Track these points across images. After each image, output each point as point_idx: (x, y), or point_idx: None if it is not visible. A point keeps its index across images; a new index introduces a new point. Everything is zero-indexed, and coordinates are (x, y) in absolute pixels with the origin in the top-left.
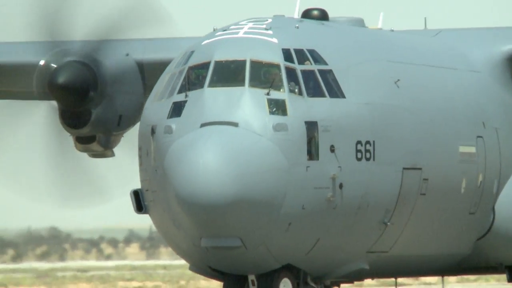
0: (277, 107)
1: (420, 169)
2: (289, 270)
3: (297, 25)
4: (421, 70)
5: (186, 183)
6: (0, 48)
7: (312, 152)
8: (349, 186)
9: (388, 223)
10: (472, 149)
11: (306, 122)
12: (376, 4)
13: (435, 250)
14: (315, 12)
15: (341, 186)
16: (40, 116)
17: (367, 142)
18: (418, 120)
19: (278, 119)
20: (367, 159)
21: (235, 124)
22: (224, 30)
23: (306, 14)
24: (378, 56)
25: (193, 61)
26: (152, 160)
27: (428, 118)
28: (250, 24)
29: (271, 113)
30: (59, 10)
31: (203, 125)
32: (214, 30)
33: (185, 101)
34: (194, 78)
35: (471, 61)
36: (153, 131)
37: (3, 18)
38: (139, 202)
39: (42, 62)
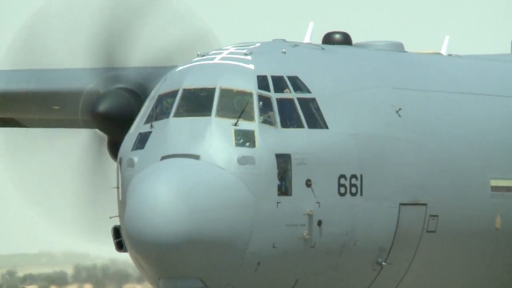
0: (245, 138)
1: (424, 204)
2: None
3: (284, 50)
4: (438, 97)
5: (134, 220)
6: (49, 74)
7: (284, 187)
8: (330, 223)
9: (384, 263)
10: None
11: (278, 155)
12: (442, 28)
13: None
14: (337, 36)
15: (319, 223)
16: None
17: (353, 176)
18: (424, 152)
19: (244, 151)
20: (353, 194)
21: (197, 157)
22: (203, 56)
23: (327, 38)
24: (383, 83)
25: (163, 89)
26: (120, 194)
27: (442, 150)
28: (232, 49)
29: (238, 145)
30: (119, 36)
31: (163, 157)
32: (198, 55)
33: (150, 132)
34: (164, 107)
35: None
36: (120, 164)
37: (62, 43)
38: (120, 239)
39: (89, 88)
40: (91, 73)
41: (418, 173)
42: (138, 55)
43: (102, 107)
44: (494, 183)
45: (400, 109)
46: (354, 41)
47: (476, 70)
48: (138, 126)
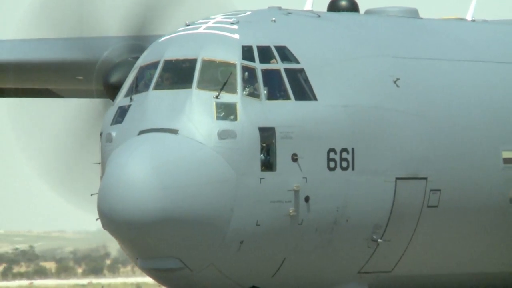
0: (226, 111)
1: (424, 178)
2: None
3: (274, 19)
4: (444, 66)
5: (106, 197)
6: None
7: (268, 162)
8: (318, 199)
9: (380, 240)
10: None
11: (261, 128)
12: None
13: (471, 269)
14: (342, 3)
15: (307, 199)
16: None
17: (344, 150)
18: (425, 124)
19: (225, 125)
20: (344, 169)
21: (175, 131)
22: (188, 25)
23: (332, 5)
24: (381, 52)
25: (145, 60)
26: (100, 170)
27: (446, 121)
28: (220, 18)
29: (219, 118)
30: (147, 6)
31: (141, 132)
32: (185, 24)
33: (130, 106)
34: (145, 79)
35: None
36: (101, 139)
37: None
38: None
39: (104, 57)
40: (115, 42)
41: (417, 146)
42: (168, 25)
43: (114, 77)
44: (506, 155)
45: (398, 79)
46: (368, 7)
47: (493, 36)
48: (119, 99)
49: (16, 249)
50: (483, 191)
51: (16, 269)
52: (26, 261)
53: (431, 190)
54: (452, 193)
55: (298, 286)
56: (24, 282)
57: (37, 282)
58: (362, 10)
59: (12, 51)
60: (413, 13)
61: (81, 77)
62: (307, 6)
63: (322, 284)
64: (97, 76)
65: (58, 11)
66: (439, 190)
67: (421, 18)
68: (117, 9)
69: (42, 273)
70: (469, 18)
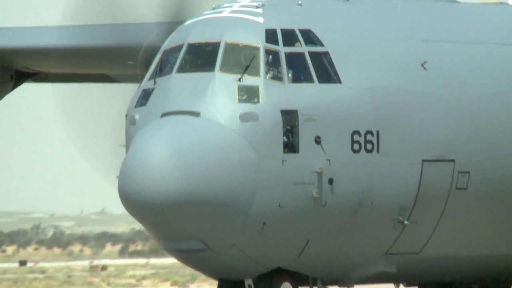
0: (249, 94)
1: (452, 161)
2: (291, 274)
3: (300, 2)
4: (475, 49)
5: (126, 179)
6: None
7: (291, 144)
8: (342, 181)
9: (406, 222)
10: None
11: (283, 111)
12: None
13: (500, 250)
14: None
15: (330, 181)
16: None
17: (368, 132)
18: (453, 107)
19: (247, 107)
20: (368, 151)
21: (197, 114)
22: (214, 9)
23: None
24: (410, 35)
25: (169, 43)
26: (126, 152)
27: (475, 104)
28: (245, 2)
29: (241, 101)
30: None
31: (163, 115)
32: (212, 8)
33: (153, 89)
34: (170, 62)
35: None
36: (126, 121)
37: None
38: None
39: (148, 42)
40: (159, 27)
41: (444, 128)
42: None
43: None
44: None
45: (425, 61)
46: None
47: None
48: (144, 82)
49: (133, 229)
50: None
51: (132, 248)
52: (142, 240)
53: (460, 172)
54: (482, 176)
55: (324, 267)
56: (141, 260)
57: (153, 260)
58: None
59: (59, 36)
60: None
61: (131, 62)
62: None
63: (349, 265)
64: (141, 62)
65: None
66: (468, 172)
67: (458, 2)
68: None
69: (157, 252)
70: (510, 2)
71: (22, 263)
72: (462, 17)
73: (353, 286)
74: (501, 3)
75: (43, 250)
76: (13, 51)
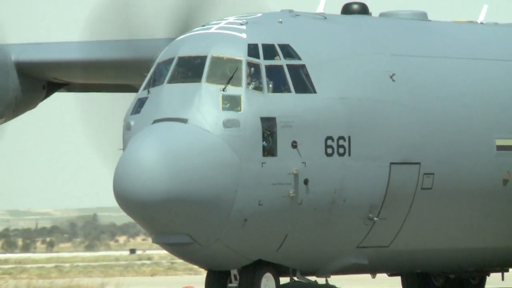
0: (232, 103)
1: (418, 163)
2: (272, 265)
3: (280, 20)
4: (441, 62)
5: (120, 179)
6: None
7: (269, 148)
8: (317, 182)
9: (376, 218)
10: None
11: (263, 118)
12: None
13: (464, 244)
14: (354, 6)
15: (306, 182)
16: None
17: (341, 138)
18: (419, 114)
19: (230, 115)
20: (341, 155)
21: (185, 120)
22: (203, 26)
23: (345, 8)
24: (381, 50)
25: (162, 57)
26: None
27: (440, 112)
28: (231, 19)
29: (224, 109)
30: (196, 6)
31: (155, 121)
32: (202, 25)
33: (147, 98)
34: (161, 74)
35: None
36: (123, 127)
37: None
38: None
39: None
40: (168, 42)
41: (410, 134)
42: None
43: None
44: (499, 142)
45: (394, 74)
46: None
47: (493, 36)
48: (139, 91)
49: None
50: (477, 174)
51: None
52: None
53: (425, 173)
54: (446, 177)
55: (302, 259)
56: None
57: None
58: (375, 13)
59: (83, 51)
60: (422, 16)
61: (146, 74)
62: (319, 9)
63: (324, 257)
64: None
65: (114, 16)
66: (433, 173)
67: (429, 21)
68: (164, 12)
69: None
70: (480, 21)
71: (132, 251)
72: (431, 34)
73: (329, 276)
74: (471, 21)
75: (149, 240)
76: (44, 64)
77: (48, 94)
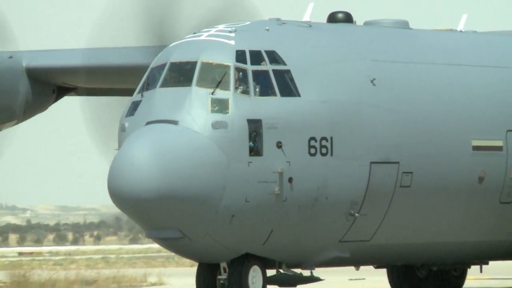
0: (220, 106)
1: (397, 163)
2: (259, 258)
3: (267, 28)
4: (419, 68)
5: (113, 177)
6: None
7: (256, 148)
8: (300, 180)
9: (357, 214)
10: (498, 143)
11: (249, 120)
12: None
13: (442, 238)
14: (339, 15)
15: (290, 180)
16: None
17: (323, 138)
18: (398, 116)
19: (218, 117)
20: (323, 155)
21: (175, 122)
22: (195, 33)
23: (331, 17)
24: (362, 56)
25: (155, 62)
26: None
27: (418, 114)
28: (221, 27)
29: (213, 111)
30: (166, 14)
31: (148, 123)
32: (194, 32)
33: (140, 101)
34: (154, 78)
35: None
36: (119, 129)
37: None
38: None
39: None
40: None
41: (389, 135)
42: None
43: None
44: (475, 143)
45: (374, 78)
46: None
47: (469, 43)
48: (134, 95)
49: None
50: (454, 173)
51: None
52: None
53: (403, 172)
54: (424, 175)
55: (287, 253)
56: None
57: None
58: (360, 21)
59: (89, 57)
60: (404, 24)
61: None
62: (305, 18)
63: (308, 251)
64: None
65: (118, 24)
66: (411, 172)
67: (410, 29)
68: (189, 20)
69: None
70: (459, 29)
71: None
72: (411, 41)
73: (314, 268)
74: (451, 29)
75: None
76: (53, 70)
77: (57, 97)
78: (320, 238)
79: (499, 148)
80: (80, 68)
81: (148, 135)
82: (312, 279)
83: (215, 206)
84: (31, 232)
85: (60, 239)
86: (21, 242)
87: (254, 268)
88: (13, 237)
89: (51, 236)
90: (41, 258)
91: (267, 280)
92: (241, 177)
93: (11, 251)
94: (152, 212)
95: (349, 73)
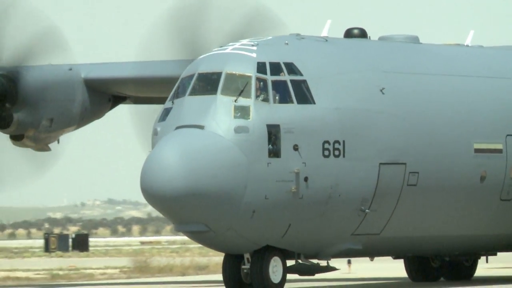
0: (242, 112)
1: (404, 164)
2: (279, 250)
3: (287, 42)
4: (426, 78)
5: (145, 177)
6: None
7: (274, 151)
8: (315, 180)
9: (367, 210)
10: (498, 146)
11: (269, 125)
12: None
13: (446, 232)
14: (355, 31)
15: (306, 179)
16: None
17: (336, 142)
18: (405, 122)
19: (240, 122)
20: (336, 156)
21: (202, 127)
22: (221, 47)
23: (347, 33)
24: (373, 67)
25: (185, 73)
26: None
27: (424, 120)
28: (245, 41)
29: (235, 117)
30: None
31: (177, 128)
32: (220, 46)
33: (171, 108)
34: (183, 87)
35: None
36: (152, 133)
37: None
38: None
39: None
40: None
41: (397, 139)
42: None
43: None
44: (477, 146)
45: (384, 88)
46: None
47: (474, 56)
48: (166, 102)
49: None
50: (457, 173)
51: None
52: None
53: (410, 172)
54: (430, 175)
55: (304, 245)
56: None
57: None
58: (375, 37)
59: (140, 69)
60: (414, 39)
61: None
62: (324, 33)
63: (324, 243)
64: None
65: (165, 38)
66: (418, 172)
67: (420, 43)
68: (218, 35)
69: None
70: (466, 43)
71: None
72: (420, 54)
73: (330, 259)
74: (458, 44)
75: None
76: (108, 81)
77: (113, 105)
78: (334, 232)
79: (499, 151)
80: (130, 79)
81: (177, 138)
82: (328, 268)
83: (237, 203)
84: (151, 224)
85: None
86: (142, 232)
87: (275, 258)
88: (136, 228)
89: (168, 227)
90: (160, 246)
91: (287, 270)
92: (261, 177)
93: (134, 240)
94: (180, 208)
95: (360, 83)
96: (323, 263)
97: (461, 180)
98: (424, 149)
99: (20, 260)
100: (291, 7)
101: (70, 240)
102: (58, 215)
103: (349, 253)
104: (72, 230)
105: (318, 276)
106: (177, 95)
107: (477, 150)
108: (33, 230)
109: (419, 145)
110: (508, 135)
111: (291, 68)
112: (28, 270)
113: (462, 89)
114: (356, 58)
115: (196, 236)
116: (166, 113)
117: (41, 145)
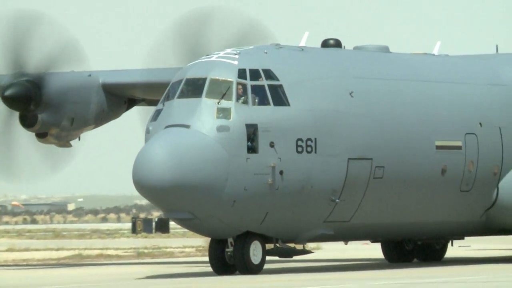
0: (224, 113)
1: (370, 159)
2: (259, 235)
3: (266, 51)
4: (393, 84)
5: (137, 170)
6: None
7: (252, 147)
8: (290, 173)
9: (337, 200)
10: (458, 143)
11: (247, 125)
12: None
13: (410, 219)
14: (331, 42)
15: (281, 172)
16: None
17: (309, 139)
18: (371, 122)
19: (222, 122)
20: (308, 152)
21: (188, 126)
22: (207, 55)
23: (324, 43)
24: (343, 73)
25: (175, 78)
26: None
27: (389, 120)
28: (229, 50)
29: (218, 118)
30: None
31: (166, 127)
32: (207, 55)
33: (162, 109)
34: (173, 91)
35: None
36: (145, 131)
37: None
38: None
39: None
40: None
41: (364, 136)
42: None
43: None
44: (438, 143)
45: (352, 91)
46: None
47: (436, 64)
48: (158, 104)
49: None
50: (420, 166)
51: None
52: None
53: (376, 166)
54: (394, 169)
55: (281, 231)
56: None
57: None
58: (349, 46)
59: (151, 75)
60: (385, 49)
61: None
62: (301, 43)
63: (299, 229)
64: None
65: (172, 47)
66: (383, 166)
67: (389, 52)
68: (218, 45)
69: None
70: (433, 52)
71: None
72: (388, 62)
73: (305, 243)
74: (426, 53)
75: None
76: (123, 85)
77: (128, 107)
78: (308, 219)
79: (459, 147)
80: (140, 84)
81: (166, 136)
82: (305, 251)
83: (219, 193)
84: None
85: None
86: None
87: (255, 242)
88: None
89: None
90: None
91: (266, 252)
92: (241, 170)
93: None
94: (168, 198)
95: (331, 87)
96: (299, 247)
97: (423, 174)
98: (389, 146)
99: (111, 240)
100: (275, 19)
101: (154, 223)
102: (144, 202)
103: (322, 238)
104: (155, 215)
105: (300, 257)
106: (167, 98)
107: (439, 147)
108: (122, 215)
109: (384, 142)
110: (467, 133)
111: (269, 74)
112: (117, 248)
113: (425, 93)
114: (329, 66)
115: (183, 222)
116: (157, 113)
117: (63, 142)
